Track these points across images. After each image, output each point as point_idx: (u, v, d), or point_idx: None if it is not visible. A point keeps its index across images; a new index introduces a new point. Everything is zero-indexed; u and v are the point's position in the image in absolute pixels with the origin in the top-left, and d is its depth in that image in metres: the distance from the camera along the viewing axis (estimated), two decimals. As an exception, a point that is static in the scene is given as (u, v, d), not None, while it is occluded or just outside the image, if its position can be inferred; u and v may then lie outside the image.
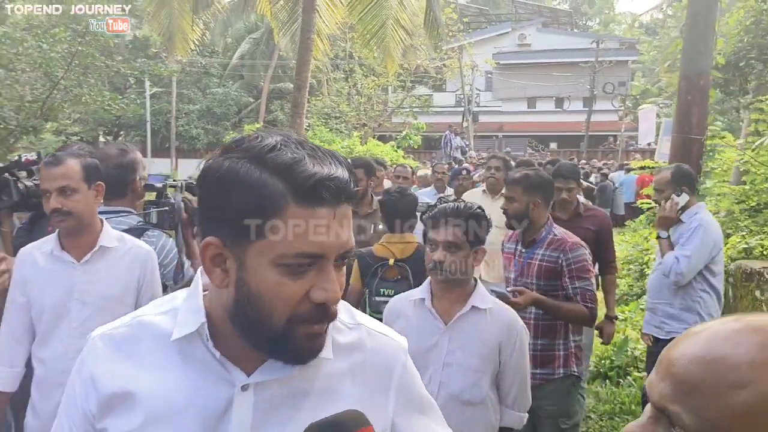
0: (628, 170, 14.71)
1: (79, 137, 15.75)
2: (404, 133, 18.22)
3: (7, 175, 2.50)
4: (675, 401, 0.66)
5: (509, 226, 2.96)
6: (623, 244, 8.29)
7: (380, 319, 1.08)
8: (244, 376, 0.89)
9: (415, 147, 18.70)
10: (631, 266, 7.27)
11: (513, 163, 4.83)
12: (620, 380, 4.84)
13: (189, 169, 15.92)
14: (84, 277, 2.18)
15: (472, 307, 2.08)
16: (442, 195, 5.51)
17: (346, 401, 0.89)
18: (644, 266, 6.63)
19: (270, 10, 11.57)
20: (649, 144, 16.50)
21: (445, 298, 2.12)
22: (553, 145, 29.03)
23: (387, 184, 5.62)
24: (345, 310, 1.01)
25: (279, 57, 23.93)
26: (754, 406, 0.62)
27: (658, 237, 3.62)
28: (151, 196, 2.79)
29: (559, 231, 2.86)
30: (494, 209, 3.03)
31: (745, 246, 5.03)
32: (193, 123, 25.67)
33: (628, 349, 5.12)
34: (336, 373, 0.94)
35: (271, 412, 0.89)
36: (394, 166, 7.57)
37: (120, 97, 12.23)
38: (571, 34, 35.75)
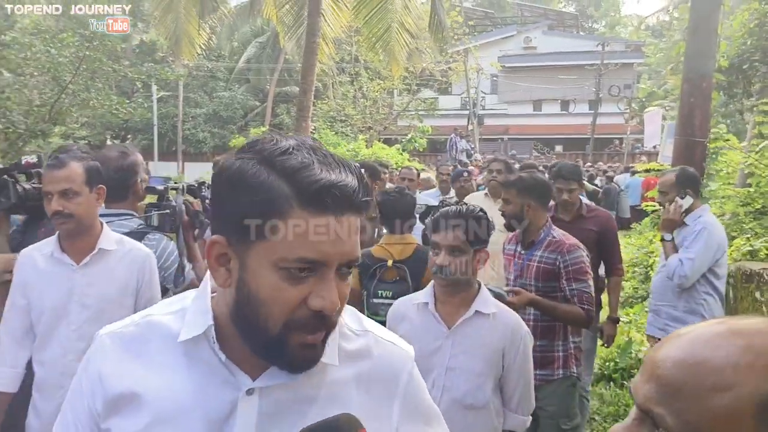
0: (634, 173, 14.69)
1: (86, 141, 15.85)
2: (410, 136, 18.27)
3: (6, 177, 2.48)
4: (659, 403, 0.67)
5: (508, 227, 2.98)
6: (629, 246, 8.25)
7: (378, 322, 1.08)
8: (249, 380, 0.88)
9: (421, 150, 18.75)
10: (636, 269, 7.25)
11: (517, 166, 4.83)
12: (624, 382, 4.83)
13: (195, 172, 15.96)
14: (83, 279, 2.17)
15: (476, 311, 2.08)
16: (444, 197, 5.53)
17: (351, 408, 0.87)
18: (649, 269, 6.61)
19: (276, 14, 11.62)
20: (654, 147, 16.43)
21: (448, 302, 2.11)
22: (558, 148, 28.91)
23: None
24: (353, 317, 1.00)
25: (285, 60, 23.97)
26: (739, 410, 0.62)
27: (662, 239, 3.61)
28: (152, 198, 2.77)
29: (558, 233, 2.87)
30: (496, 212, 3.03)
31: (750, 248, 5.01)
32: (199, 126, 25.80)
33: (633, 351, 5.10)
34: (342, 380, 0.93)
35: (275, 417, 0.88)
36: (400, 168, 7.58)
37: (127, 101, 12.33)
38: (576, 36, 35.58)
